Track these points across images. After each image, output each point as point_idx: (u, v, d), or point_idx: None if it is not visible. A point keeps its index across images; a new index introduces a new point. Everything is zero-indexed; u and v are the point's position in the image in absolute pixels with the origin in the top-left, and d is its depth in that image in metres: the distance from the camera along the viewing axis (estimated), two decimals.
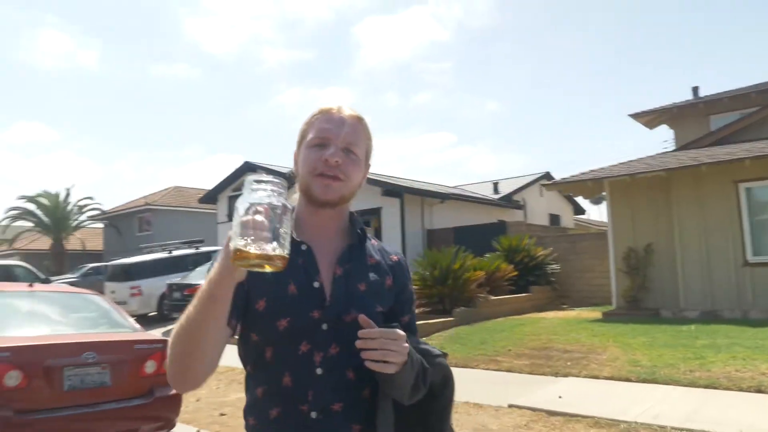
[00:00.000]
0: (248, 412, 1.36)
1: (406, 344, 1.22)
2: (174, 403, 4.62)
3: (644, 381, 6.10)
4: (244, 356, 1.37)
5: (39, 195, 30.17)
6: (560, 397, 5.71)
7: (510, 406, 5.57)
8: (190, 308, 1.16)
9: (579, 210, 26.17)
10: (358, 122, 1.38)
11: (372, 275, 1.38)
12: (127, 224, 31.25)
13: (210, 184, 25.42)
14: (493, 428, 4.97)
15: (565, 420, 5.06)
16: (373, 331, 1.20)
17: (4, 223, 30.00)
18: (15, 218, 30.09)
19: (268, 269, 1.00)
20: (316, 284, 1.31)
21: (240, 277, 1.10)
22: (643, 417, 4.91)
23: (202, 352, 1.17)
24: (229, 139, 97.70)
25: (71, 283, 16.06)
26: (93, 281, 18.07)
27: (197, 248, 17.06)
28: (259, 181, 1.03)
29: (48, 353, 4.06)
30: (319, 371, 1.27)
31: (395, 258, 1.46)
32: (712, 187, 10.57)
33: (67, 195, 30.62)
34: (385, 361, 1.18)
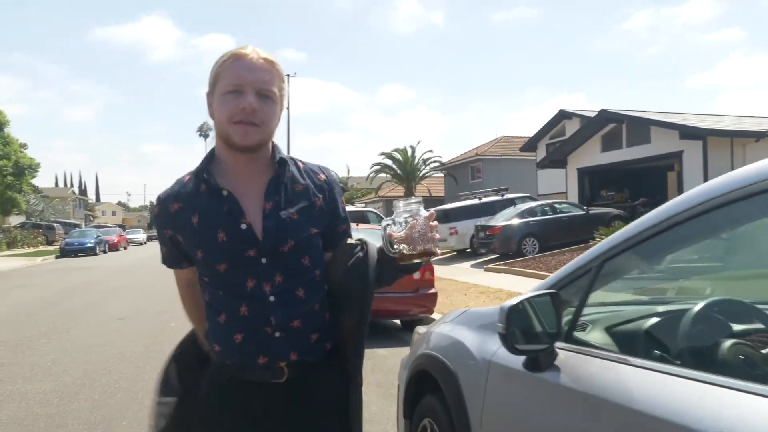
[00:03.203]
0: (212, 338, 1.44)
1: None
2: (432, 299, 7.19)
3: None
4: (201, 290, 1.46)
5: (394, 151, 36.62)
6: None
7: None
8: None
9: None
10: (272, 66, 1.39)
11: (302, 202, 1.43)
12: (462, 173, 35.56)
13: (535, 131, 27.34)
14: None
15: None
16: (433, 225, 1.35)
17: (371, 175, 37.58)
18: (378, 171, 37.34)
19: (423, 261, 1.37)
20: (243, 226, 1.36)
21: None
22: None
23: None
24: (572, 78, 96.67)
25: None
26: None
27: (502, 195, 19.46)
28: (407, 204, 1.37)
29: None
30: (272, 299, 1.36)
31: (322, 177, 1.50)
32: None
33: (413, 150, 36.38)
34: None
